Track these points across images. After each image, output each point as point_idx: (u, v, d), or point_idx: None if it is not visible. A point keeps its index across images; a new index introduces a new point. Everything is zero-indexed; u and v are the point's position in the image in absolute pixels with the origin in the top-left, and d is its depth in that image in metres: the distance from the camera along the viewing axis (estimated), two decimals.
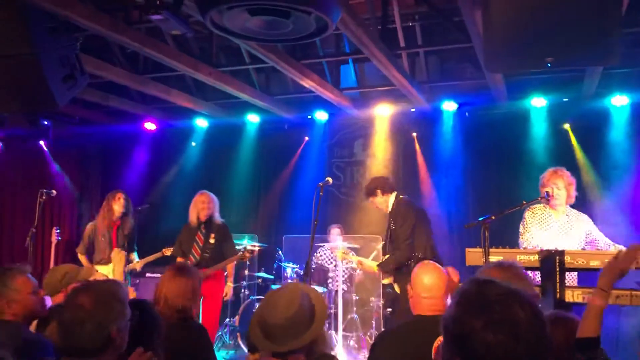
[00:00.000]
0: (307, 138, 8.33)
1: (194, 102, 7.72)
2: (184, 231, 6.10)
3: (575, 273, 4.33)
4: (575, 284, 4.30)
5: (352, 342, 6.73)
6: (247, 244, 7.40)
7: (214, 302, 5.86)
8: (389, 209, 5.46)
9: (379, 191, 5.47)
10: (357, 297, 6.89)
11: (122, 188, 7.21)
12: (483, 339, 1.28)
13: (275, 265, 7.46)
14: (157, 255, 6.31)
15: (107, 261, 6.16)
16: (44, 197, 6.08)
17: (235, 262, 6.11)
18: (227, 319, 7.09)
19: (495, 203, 6.33)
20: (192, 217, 6.02)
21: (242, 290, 7.31)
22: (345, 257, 6.20)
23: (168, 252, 6.23)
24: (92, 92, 7.25)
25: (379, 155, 7.96)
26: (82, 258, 6.24)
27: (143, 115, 8.52)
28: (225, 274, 6.25)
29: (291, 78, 6.75)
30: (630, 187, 6.56)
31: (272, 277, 7.41)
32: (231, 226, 8.31)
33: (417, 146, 7.72)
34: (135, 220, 6.41)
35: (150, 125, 8.76)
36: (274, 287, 6.93)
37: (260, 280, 7.48)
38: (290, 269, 7.07)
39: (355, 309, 6.84)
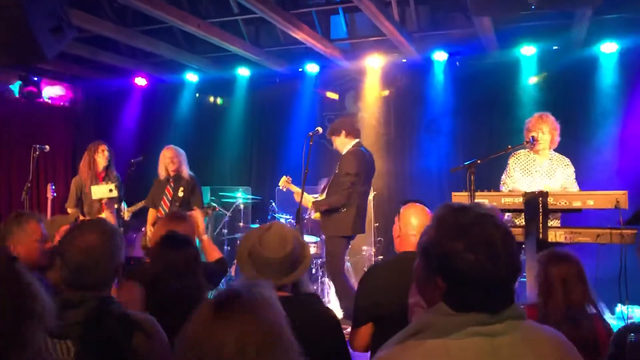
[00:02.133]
0: (302, 89, 8.31)
1: (183, 55, 7.68)
2: (155, 185, 6.18)
3: (559, 214, 4.45)
4: (559, 225, 4.43)
5: None
6: (241, 196, 7.53)
7: None
8: (343, 152, 5.43)
9: (344, 132, 5.40)
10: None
11: (115, 143, 7.23)
12: (466, 259, 1.39)
13: (269, 217, 7.58)
14: (142, 203, 6.38)
15: (98, 212, 6.23)
16: (37, 153, 6.09)
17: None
18: None
19: (485, 150, 6.40)
20: (161, 171, 6.08)
21: (238, 242, 7.46)
22: (287, 185, 6.07)
23: None
24: (81, 47, 7.21)
25: (370, 106, 7.98)
26: (72, 212, 6.30)
27: (134, 71, 8.49)
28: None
29: (281, 30, 6.71)
30: (618, 133, 6.65)
31: None
32: (224, 179, 8.46)
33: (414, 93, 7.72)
34: (129, 172, 6.44)
35: (140, 81, 8.74)
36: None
37: None
38: (284, 220, 7.19)
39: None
